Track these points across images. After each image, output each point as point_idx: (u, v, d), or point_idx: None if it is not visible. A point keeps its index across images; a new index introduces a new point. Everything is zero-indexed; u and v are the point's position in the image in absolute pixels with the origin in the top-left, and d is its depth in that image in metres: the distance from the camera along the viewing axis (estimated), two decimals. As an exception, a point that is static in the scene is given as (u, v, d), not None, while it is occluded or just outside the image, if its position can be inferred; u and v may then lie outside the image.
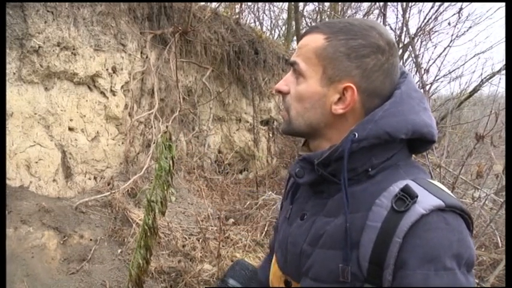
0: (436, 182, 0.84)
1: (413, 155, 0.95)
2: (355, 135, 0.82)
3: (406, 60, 9.48)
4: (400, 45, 8.96)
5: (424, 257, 0.72)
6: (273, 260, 1.07)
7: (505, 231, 3.57)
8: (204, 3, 6.17)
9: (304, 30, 0.96)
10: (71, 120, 3.97)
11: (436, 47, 8.82)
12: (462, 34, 8.24)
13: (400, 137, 0.83)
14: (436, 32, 8.45)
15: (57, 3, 3.66)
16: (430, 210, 0.74)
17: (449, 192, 0.81)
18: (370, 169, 0.85)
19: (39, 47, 3.53)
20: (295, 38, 9.34)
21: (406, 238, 0.73)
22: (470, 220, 0.79)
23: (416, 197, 0.76)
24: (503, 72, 6.83)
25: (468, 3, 7.24)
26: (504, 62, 6.77)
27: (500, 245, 3.47)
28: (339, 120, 0.88)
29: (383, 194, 0.80)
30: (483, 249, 3.56)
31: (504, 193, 3.67)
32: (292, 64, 0.91)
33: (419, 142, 0.88)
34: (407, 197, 0.76)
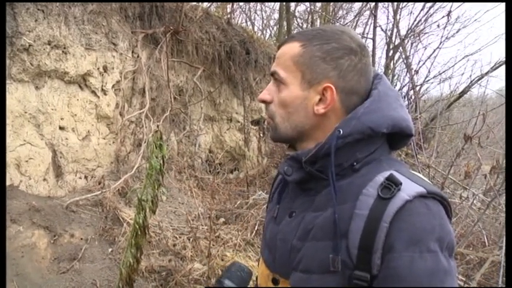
0: (416, 173, 0.90)
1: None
2: (340, 131, 0.87)
3: (396, 61, 9.57)
4: (391, 46, 9.05)
5: (410, 240, 0.77)
6: (260, 260, 1.09)
7: (496, 231, 3.64)
8: (195, 3, 6.17)
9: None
10: (61, 119, 3.95)
11: (426, 48, 8.95)
12: (451, 36, 8.37)
13: (382, 131, 0.88)
14: (426, 33, 8.57)
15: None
16: (413, 197, 0.79)
17: (429, 181, 0.87)
18: (355, 163, 0.90)
19: (29, 45, 3.51)
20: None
21: (393, 223, 0.78)
22: (449, 207, 0.85)
23: (401, 184, 0.81)
24: (491, 74, 6.94)
25: (460, 3, 7.34)
26: (500, 61, 6.88)
27: (487, 244, 3.52)
28: (322, 119, 0.93)
29: (369, 184, 0.84)
30: (471, 248, 3.62)
31: (492, 193, 3.73)
32: (272, 74, 0.97)
33: (398, 136, 0.94)
34: (392, 184, 0.81)
